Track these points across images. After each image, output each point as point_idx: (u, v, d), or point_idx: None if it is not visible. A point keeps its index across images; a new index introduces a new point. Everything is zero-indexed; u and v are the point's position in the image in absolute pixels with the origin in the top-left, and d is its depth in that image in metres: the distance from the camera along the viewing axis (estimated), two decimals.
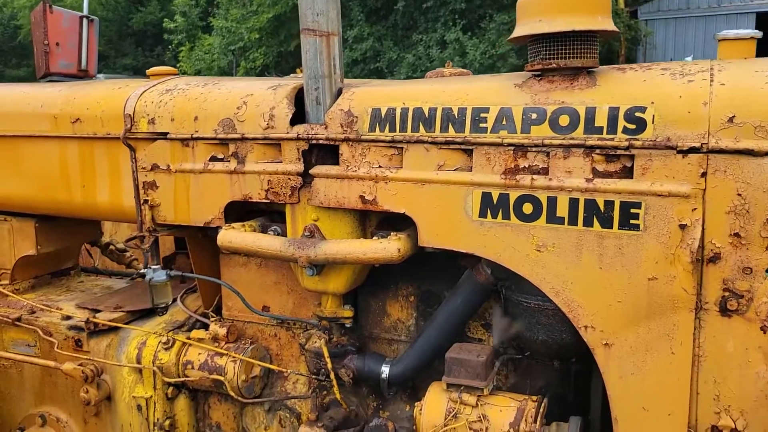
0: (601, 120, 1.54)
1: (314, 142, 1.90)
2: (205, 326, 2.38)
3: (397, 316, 2.11)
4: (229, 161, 2.07)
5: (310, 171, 1.91)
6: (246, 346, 2.24)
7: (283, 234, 2.06)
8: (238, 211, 2.16)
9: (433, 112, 1.73)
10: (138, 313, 2.57)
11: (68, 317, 2.58)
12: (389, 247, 1.78)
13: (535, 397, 1.77)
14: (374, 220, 1.99)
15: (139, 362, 2.32)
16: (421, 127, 1.75)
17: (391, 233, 1.84)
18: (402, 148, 1.79)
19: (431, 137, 1.73)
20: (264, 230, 2.08)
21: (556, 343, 1.76)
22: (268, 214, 2.18)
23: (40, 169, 2.46)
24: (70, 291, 2.88)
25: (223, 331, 2.25)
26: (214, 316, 2.36)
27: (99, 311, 2.57)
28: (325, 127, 1.89)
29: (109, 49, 23.41)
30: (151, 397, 2.31)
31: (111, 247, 3.28)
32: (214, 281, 2.28)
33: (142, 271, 2.29)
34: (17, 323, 2.61)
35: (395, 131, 1.78)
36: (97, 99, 2.30)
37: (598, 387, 1.84)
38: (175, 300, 2.41)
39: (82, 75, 3.61)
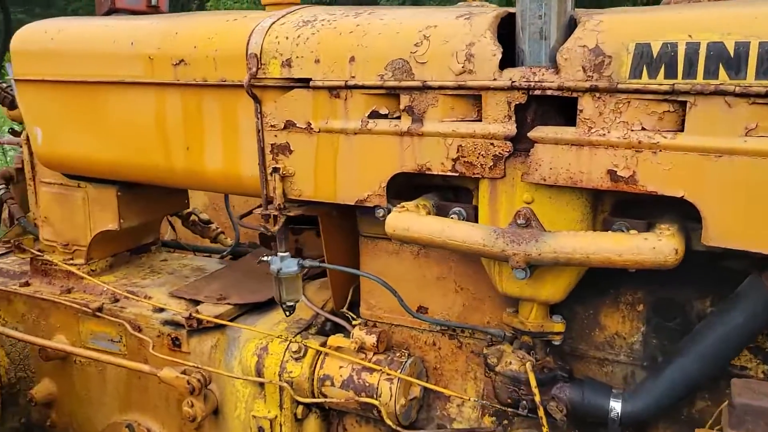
0: None
1: (537, 92, 1.34)
2: (339, 329, 1.88)
3: (616, 329, 1.57)
4: (399, 118, 1.52)
5: (530, 134, 1.36)
6: (402, 359, 1.73)
7: (470, 218, 1.52)
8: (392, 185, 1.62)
9: (743, 49, 1.16)
10: (245, 306, 2.08)
11: (161, 309, 2.09)
12: (661, 247, 1.23)
13: None
14: (607, 205, 1.44)
15: (260, 374, 1.83)
16: (722, 70, 1.18)
17: (659, 226, 1.29)
18: (685, 102, 1.22)
19: (739, 86, 1.17)
20: (442, 213, 1.54)
21: None
22: (437, 189, 1.63)
23: (130, 124, 1.94)
24: (155, 272, 2.39)
25: (371, 339, 1.74)
26: (355, 317, 1.85)
27: (199, 302, 2.09)
28: (556, 72, 1.33)
29: None
30: (277, 417, 1.82)
31: (193, 217, 2.79)
32: (359, 274, 1.75)
33: (263, 258, 1.78)
34: (98, 314, 2.13)
35: (675, 77, 1.22)
36: (207, 34, 1.75)
37: None
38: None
39: (152, 12, 3.05)
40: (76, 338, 2.22)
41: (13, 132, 3.65)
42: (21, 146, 2.78)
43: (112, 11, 2.90)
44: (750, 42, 1.16)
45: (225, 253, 2.61)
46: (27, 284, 2.34)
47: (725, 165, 1.20)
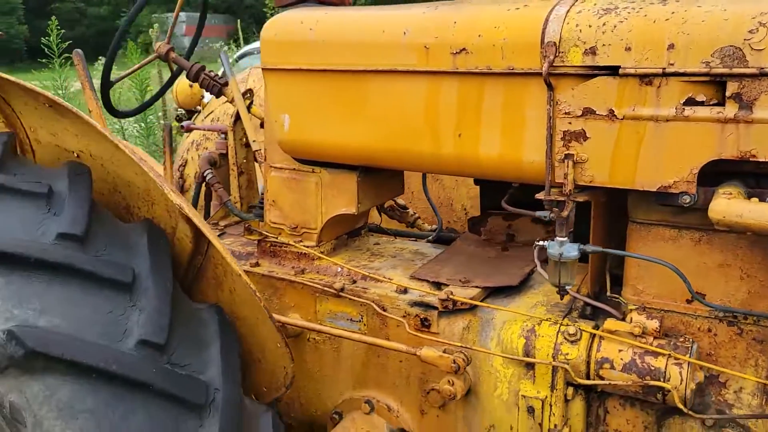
0: None
1: None
2: (596, 314, 1.91)
3: None
4: (719, 105, 1.54)
5: None
6: (686, 344, 1.76)
7: None
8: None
9: None
10: (489, 290, 2.13)
11: (404, 290, 2.17)
12: None
13: None
14: None
15: (529, 355, 1.88)
16: None
17: None
18: None
19: None
20: (761, 199, 1.55)
21: None
22: (738, 176, 1.64)
23: (395, 112, 2.00)
24: (376, 255, 2.47)
25: (654, 324, 1.77)
26: (628, 302, 1.88)
27: (441, 284, 2.15)
28: None
29: None
30: (547, 398, 1.87)
31: (391, 203, 2.86)
32: (650, 260, 1.78)
33: (539, 243, 1.82)
34: (341, 294, 2.22)
35: None
36: (493, 23, 1.80)
37: None
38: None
39: (338, 2, 3.12)
40: (312, 317, 2.31)
41: (179, 118, 3.80)
42: (224, 134, 2.90)
43: (293, 3, 2.98)
44: None
45: (430, 238, 2.67)
46: (257, 264, 2.44)
47: None
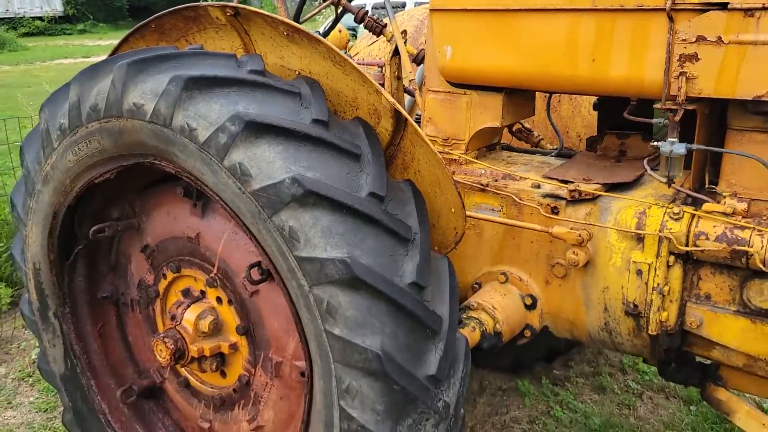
0: None
1: None
2: (697, 203, 2.44)
3: None
4: None
5: None
6: (767, 221, 2.29)
7: None
8: None
9: None
10: (610, 186, 2.69)
11: (538, 186, 2.77)
12: None
13: None
14: None
15: (641, 229, 2.46)
16: None
17: None
18: None
19: None
20: None
21: None
22: None
23: (539, 43, 2.57)
24: (510, 164, 3.07)
25: (742, 206, 2.31)
26: (723, 192, 2.41)
27: (567, 181, 2.73)
28: None
29: None
30: (653, 263, 2.45)
31: (518, 125, 3.44)
32: (740, 155, 2.30)
33: (653, 143, 2.38)
34: (486, 188, 2.84)
35: None
36: None
37: None
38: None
39: None
40: None
41: None
42: (381, 67, 3.54)
43: None
44: None
45: (553, 153, 3.25)
46: None
47: None
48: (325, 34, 3.88)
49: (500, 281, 2.88)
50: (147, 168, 2.50)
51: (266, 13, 2.49)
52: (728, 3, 2.14)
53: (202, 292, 2.74)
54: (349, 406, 2.13)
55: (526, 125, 3.44)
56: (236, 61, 2.40)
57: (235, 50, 2.70)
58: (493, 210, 2.87)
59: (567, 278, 2.72)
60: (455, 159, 3.00)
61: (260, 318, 2.59)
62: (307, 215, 2.09)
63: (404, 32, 3.42)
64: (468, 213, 2.88)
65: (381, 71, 3.52)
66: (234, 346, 2.67)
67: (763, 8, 2.08)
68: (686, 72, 2.25)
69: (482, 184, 2.84)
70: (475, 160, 2.94)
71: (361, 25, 3.48)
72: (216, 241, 2.64)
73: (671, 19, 2.24)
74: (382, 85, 3.50)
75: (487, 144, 3.14)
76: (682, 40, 2.24)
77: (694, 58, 2.24)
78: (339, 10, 3.65)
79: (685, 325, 2.49)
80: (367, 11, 3.47)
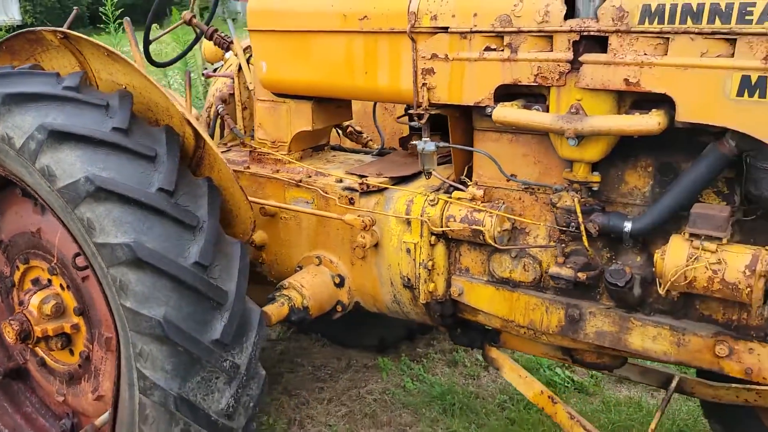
0: None
1: (585, 33, 2.30)
2: (459, 190, 2.92)
3: (634, 183, 2.53)
4: (502, 50, 2.51)
5: (580, 58, 2.32)
6: (499, 204, 2.76)
7: (545, 112, 2.50)
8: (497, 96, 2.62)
9: (701, 8, 2.07)
10: (396, 179, 3.16)
11: (341, 180, 3.22)
12: (650, 120, 2.19)
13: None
14: (628, 102, 2.38)
15: (408, 215, 2.92)
16: (689, 20, 2.10)
17: (652, 110, 2.23)
18: (668, 38, 2.15)
19: (698, 29, 2.08)
20: (527, 109, 2.54)
21: None
22: (525, 96, 2.62)
23: (327, 59, 3.03)
24: (330, 162, 3.53)
25: (480, 193, 2.79)
26: (469, 181, 2.89)
27: (365, 176, 3.19)
28: (597, 21, 2.27)
29: None
30: (417, 242, 2.92)
31: (350, 128, 3.90)
32: (474, 150, 2.78)
33: (413, 142, 2.84)
34: (299, 184, 3.29)
35: (663, 23, 2.14)
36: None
37: None
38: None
39: None
40: (282, 201, 3.39)
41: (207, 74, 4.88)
42: (233, 78, 3.98)
43: None
44: (705, 3, 2.07)
45: (374, 152, 3.71)
46: (248, 167, 3.54)
47: (689, 73, 2.12)
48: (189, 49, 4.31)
49: (315, 264, 3.33)
50: None
51: (88, 38, 2.91)
52: (449, 27, 2.61)
53: (49, 281, 3.15)
54: (143, 367, 2.56)
55: (357, 127, 3.90)
56: (57, 79, 2.82)
57: (72, 68, 3.12)
58: (306, 202, 3.32)
59: (365, 259, 3.18)
60: (280, 159, 3.44)
61: (92, 300, 3.00)
62: (101, 208, 2.52)
63: (248, 47, 3.85)
64: (287, 205, 3.35)
65: (233, 82, 3.95)
66: (76, 327, 3.09)
67: (471, 31, 2.55)
68: (427, 83, 2.72)
69: (296, 180, 3.28)
70: (294, 161, 3.39)
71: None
72: (53, 234, 3.05)
73: (413, 40, 2.71)
74: (233, 94, 3.94)
75: (311, 145, 3.58)
76: (422, 57, 2.71)
77: (431, 71, 2.71)
78: (197, 30, 4.07)
79: (452, 295, 2.97)
80: (216, 29, 3.91)
